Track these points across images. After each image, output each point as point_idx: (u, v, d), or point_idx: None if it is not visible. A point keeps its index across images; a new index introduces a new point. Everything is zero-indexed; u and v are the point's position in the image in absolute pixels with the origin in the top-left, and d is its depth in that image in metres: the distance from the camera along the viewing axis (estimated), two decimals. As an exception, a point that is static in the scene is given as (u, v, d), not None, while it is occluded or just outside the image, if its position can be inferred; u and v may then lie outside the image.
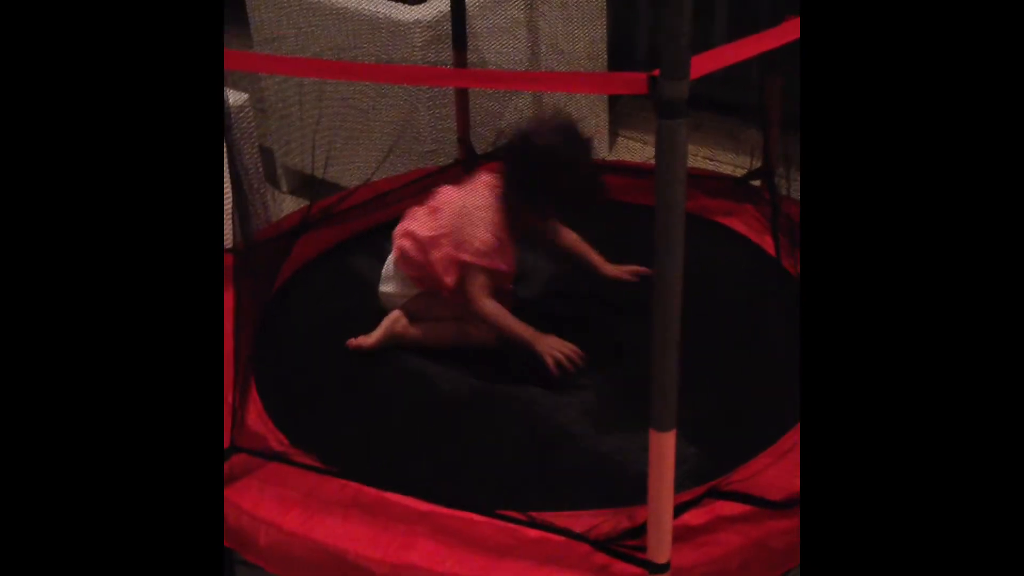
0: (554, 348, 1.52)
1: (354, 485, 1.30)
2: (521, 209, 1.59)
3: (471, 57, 2.12)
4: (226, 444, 1.33)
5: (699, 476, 1.28)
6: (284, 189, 2.69)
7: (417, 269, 1.66)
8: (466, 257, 1.59)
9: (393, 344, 1.66)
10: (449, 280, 1.61)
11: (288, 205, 2.53)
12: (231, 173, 1.43)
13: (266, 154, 2.62)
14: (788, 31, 1.07)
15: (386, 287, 1.71)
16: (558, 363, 1.51)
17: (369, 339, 1.66)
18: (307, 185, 2.56)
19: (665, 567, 1.10)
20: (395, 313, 1.68)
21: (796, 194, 1.67)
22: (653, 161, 0.92)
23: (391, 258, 1.70)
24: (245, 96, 2.09)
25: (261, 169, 2.23)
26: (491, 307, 1.58)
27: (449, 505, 1.26)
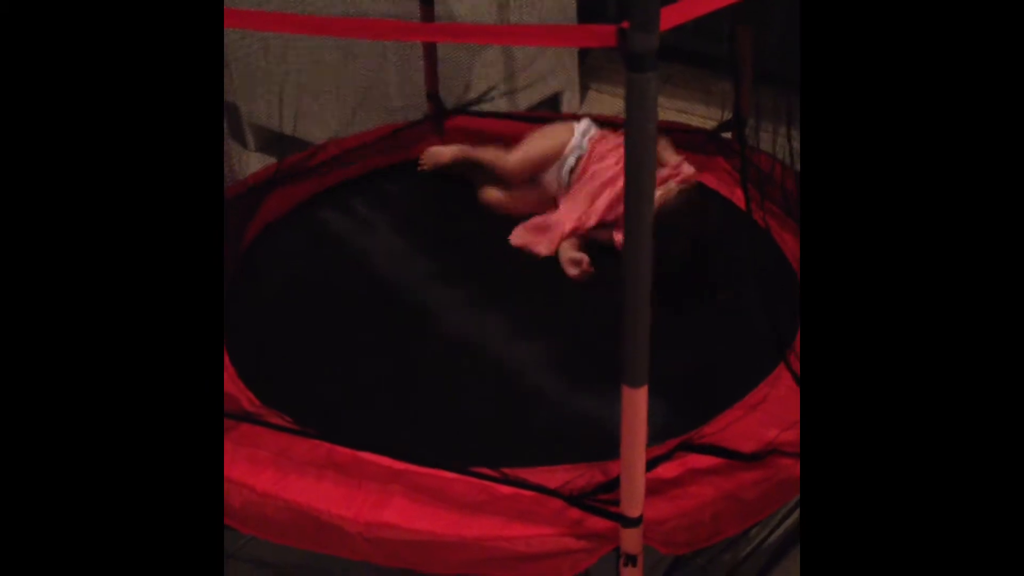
0: (571, 260, 1.70)
1: (327, 444, 1.30)
2: None
3: (438, 10, 2.08)
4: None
5: (671, 430, 1.29)
6: (251, 147, 2.65)
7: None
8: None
9: (463, 161, 1.96)
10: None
11: (254, 163, 2.49)
12: None
13: (231, 110, 2.58)
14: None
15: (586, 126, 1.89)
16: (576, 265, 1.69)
17: (445, 151, 1.99)
18: (275, 142, 2.53)
19: (638, 520, 1.10)
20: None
21: (766, 146, 1.66)
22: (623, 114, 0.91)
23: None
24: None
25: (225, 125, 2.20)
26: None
27: (422, 463, 1.26)
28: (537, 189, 1.89)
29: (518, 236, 1.82)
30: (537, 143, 1.89)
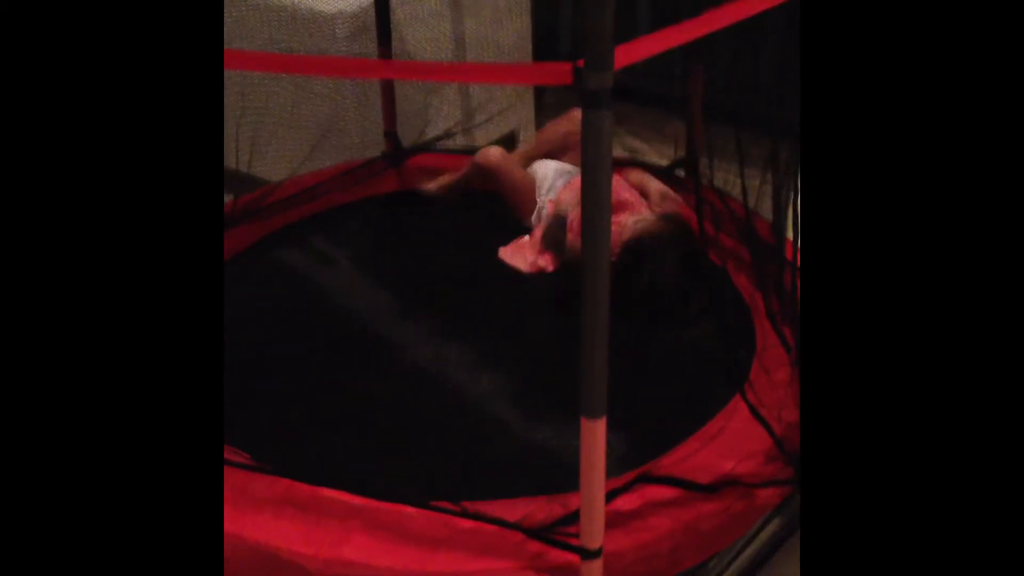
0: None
1: (285, 481, 1.29)
2: None
3: (395, 49, 2.11)
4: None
5: (629, 462, 1.30)
6: (207, 184, 2.64)
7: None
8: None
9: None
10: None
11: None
12: None
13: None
14: (710, 21, 1.09)
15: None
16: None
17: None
18: (232, 180, 2.52)
19: (598, 553, 1.11)
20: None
21: (721, 183, 1.70)
22: (580, 151, 0.93)
23: None
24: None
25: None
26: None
27: (382, 498, 1.25)
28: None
29: (506, 254, 1.88)
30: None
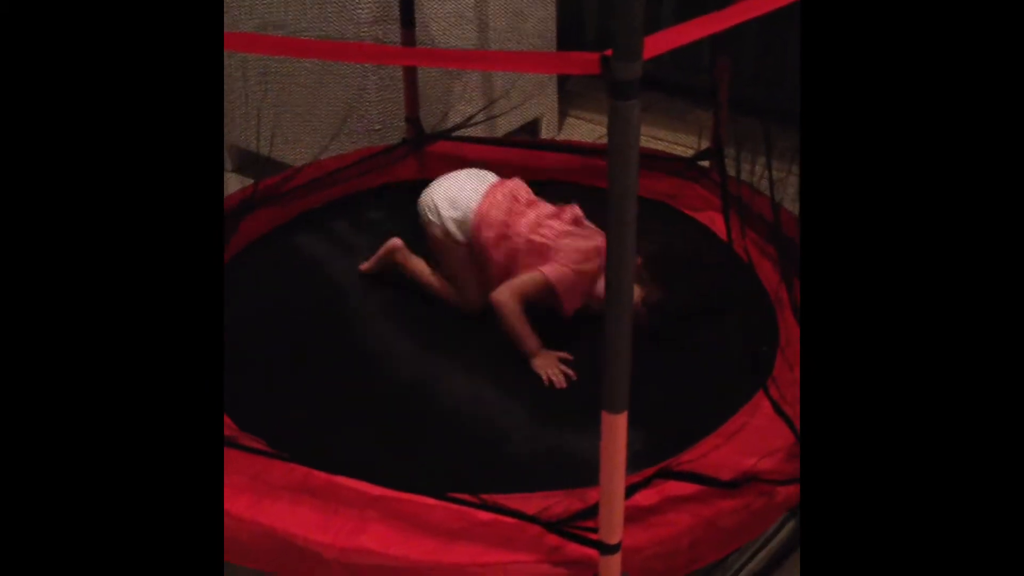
0: (548, 366, 1.53)
1: (303, 469, 1.29)
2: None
3: (419, 35, 2.09)
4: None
5: (649, 458, 1.29)
6: (229, 167, 2.64)
7: (494, 227, 1.61)
8: (547, 270, 1.56)
9: (387, 270, 1.77)
10: (503, 260, 1.61)
11: (232, 184, 2.48)
12: None
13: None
14: (740, 12, 1.07)
15: (449, 212, 1.65)
16: (550, 380, 1.52)
17: (368, 263, 1.79)
18: (253, 163, 2.52)
19: (616, 548, 1.10)
20: (396, 241, 1.77)
21: (745, 175, 1.68)
22: (603, 140, 0.91)
23: (479, 193, 1.64)
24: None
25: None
26: (513, 306, 1.55)
27: (400, 488, 1.25)
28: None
29: None
30: (467, 277, 1.68)
